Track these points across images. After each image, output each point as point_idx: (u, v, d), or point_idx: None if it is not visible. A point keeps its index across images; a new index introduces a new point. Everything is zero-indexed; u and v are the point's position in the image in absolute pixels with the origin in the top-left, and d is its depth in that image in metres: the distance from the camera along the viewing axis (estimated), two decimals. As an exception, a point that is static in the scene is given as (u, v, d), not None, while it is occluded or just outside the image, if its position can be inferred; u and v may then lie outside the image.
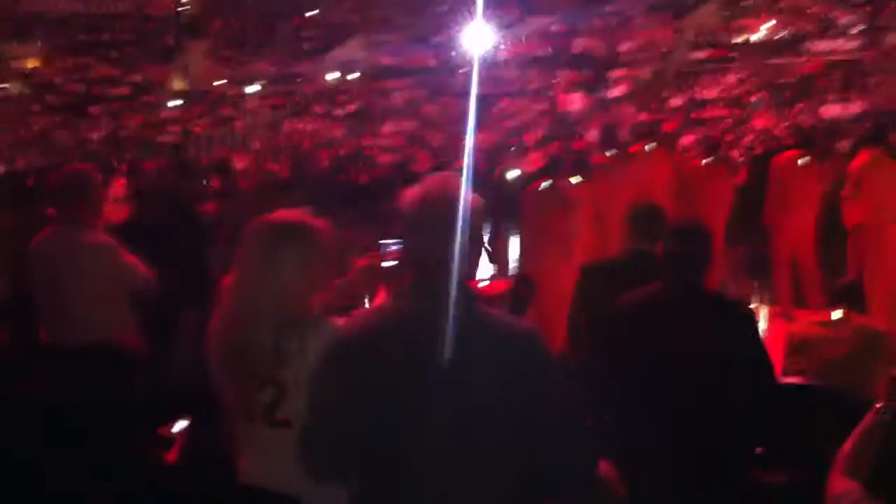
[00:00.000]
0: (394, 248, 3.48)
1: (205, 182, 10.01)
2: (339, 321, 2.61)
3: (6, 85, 35.31)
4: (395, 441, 2.12)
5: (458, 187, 2.24)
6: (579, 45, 30.02)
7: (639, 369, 3.36)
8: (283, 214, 2.61)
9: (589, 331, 3.88)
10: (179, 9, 41.51)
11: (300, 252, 2.52)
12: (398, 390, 2.13)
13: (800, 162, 8.68)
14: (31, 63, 36.95)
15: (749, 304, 9.41)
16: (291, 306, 2.49)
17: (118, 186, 10.63)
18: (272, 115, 31.58)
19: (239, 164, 16.08)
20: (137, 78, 36.09)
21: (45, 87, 35.18)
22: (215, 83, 35.25)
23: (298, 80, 34.36)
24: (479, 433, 2.08)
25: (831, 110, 21.00)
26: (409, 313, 2.22)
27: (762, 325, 8.92)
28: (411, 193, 2.24)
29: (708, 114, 23.02)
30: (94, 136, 30.49)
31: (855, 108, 20.70)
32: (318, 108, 31.61)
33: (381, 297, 3.36)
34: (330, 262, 2.66)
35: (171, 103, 34.59)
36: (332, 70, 34.68)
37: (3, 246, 6.52)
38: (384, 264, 3.47)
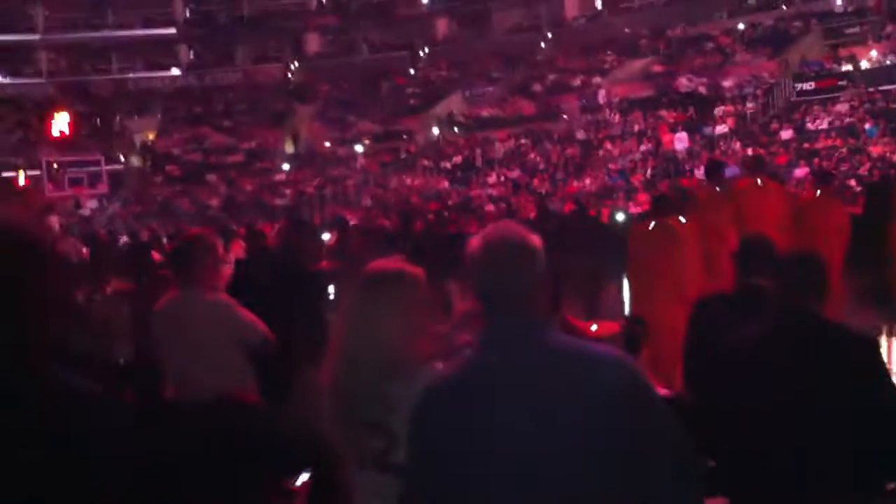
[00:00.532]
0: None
1: (320, 241, 10.29)
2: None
3: (128, 158, 37.16)
4: (484, 491, 2.12)
5: (516, 231, 2.27)
6: (681, 84, 29.80)
7: (758, 408, 3.26)
8: (381, 263, 2.67)
9: (703, 369, 3.80)
10: (288, 75, 43.12)
11: (397, 298, 2.56)
12: (480, 439, 2.13)
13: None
14: (150, 136, 38.87)
15: (875, 335, 9.07)
16: (393, 353, 2.53)
17: (238, 248, 11.01)
18: (380, 171, 32.23)
19: (351, 220, 16.46)
20: (251, 144, 37.54)
21: (165, 159, 36.88)
22: (325, 144, 36.31)
23: (403, 136, 35.07)
24: (569, 480, 2.06)
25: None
26: (483, 359, 2.24)
27: (888, 358, 8.58)
28: (475, 239, 2.29)
29: (820, 144, 22.45)
30: (213, 202, 31.66)
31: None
32: (423, 162, 32.13)
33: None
34: (428, 308, 2.68)
35: (283, 166, 35.78)
36: (435, 124, 35.31)
37: (128, 311, 6.81)
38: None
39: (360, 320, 2.61)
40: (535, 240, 2.25)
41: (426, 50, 41.80)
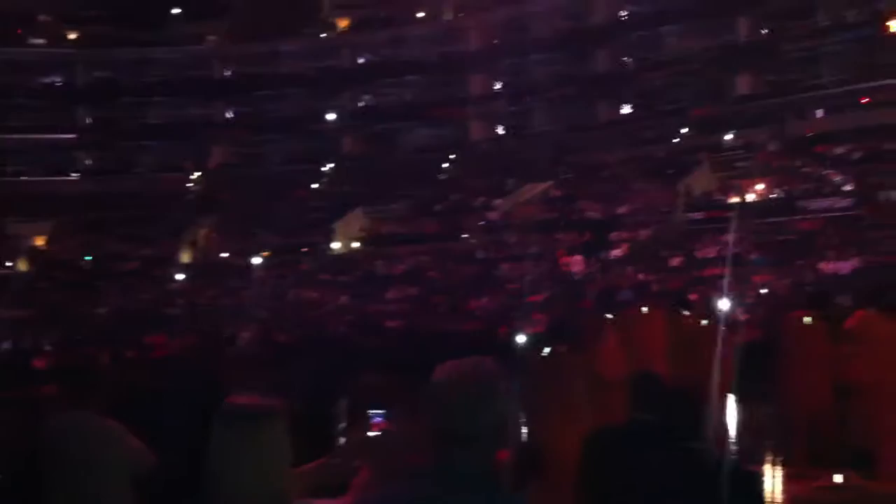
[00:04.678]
0: (378, 418, 3.44)
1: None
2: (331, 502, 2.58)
3: (13, 262, 36.00)
4: None
5: (491, 371, 2.27)
6: (578, 208, 30.79)
7: None
8: (242, 399, 2.57)
9: (587, 499, 3.85)
10: (189, 185, 42.86)
11: (266, 437, 2.48)
12: None
13: (807, 320, 8.72)
14: (39, 241, 37.82)
15: (761, 464, 9.28)
16: (268, 490, 2.44)
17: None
18: (278, 284, 31.95)
19: (245, 333, 16.15)
20: (147, 252, 36.85)
21: (55, 264, 35.82)
22: (222, 255, 35.92)
23: (305, 249, 35.01)
24: None
25: (830, 267, 21.27)
26: (425, 492, 2.21)
27: (775, 487, 8.77)
28: (442, 370, 2.27)
29: (708, 272, 23.28)
30: (103, 310, 30.73)
31: (853, 264, 20.98)
32: (323, 277, 32.04)
33: (364, 476, 3.30)
34: (288, 442, 2.58)
35: (178, 276, 35.14)
36: (337, 239, 35.42)
37: (6, 421, 6.53)
38: (370, 435, 3.42)
39: (226, 459, 2.49)
40: (497, 379, 2.25)
41: (332, 165, 42.28)
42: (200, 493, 2.64)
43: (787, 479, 8.80)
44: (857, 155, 28.07)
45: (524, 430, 8.74)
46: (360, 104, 45.37)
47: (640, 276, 23.17)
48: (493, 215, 32.72)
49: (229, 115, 45.56)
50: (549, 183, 34.45)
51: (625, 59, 39.22)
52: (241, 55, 45.04)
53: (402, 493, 2.29)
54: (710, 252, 24.99)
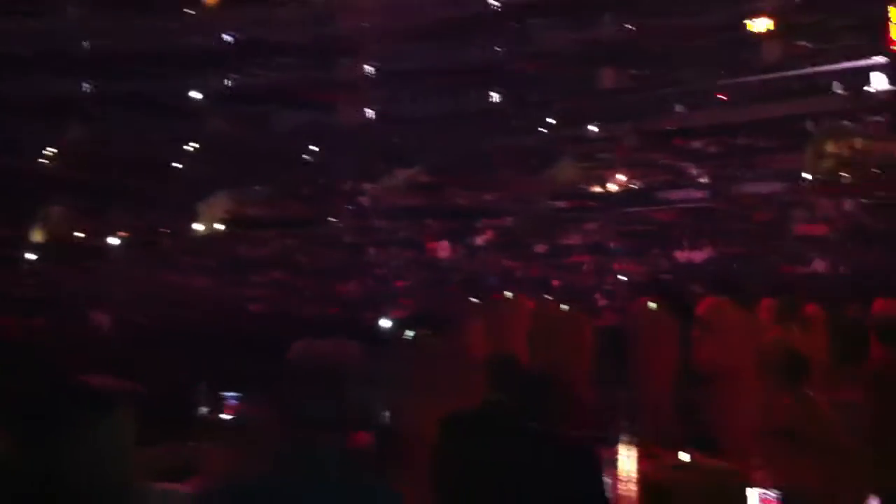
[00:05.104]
0: (233, 401, 3.39)
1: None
2: (179, 486, 2.49)
3: None
4: None
5: (350, 353, 2.21)
6: (446, 195, 30.99)
7: None
8: (89, 381, 2.45)
9: (438, 483, 3.88)
10: (42, 161, 40.94)
11: (112, 420, 2.38)
12: None
13: (653, 306, 9.05)
14: None
15: (616, 445, 9.55)
16: (111, 480, 2.34)
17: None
18: (136, 266, 30.91)
19: (102, 318, 15.55)
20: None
21: None
22: (78, 235, 34.51)
23: (166, 231, 34.01)
24: None
25: (685, 256, 22.12)
26: (266, 475, 2.15)
27: (630, 466, 9.04)
28: (296, 351, 2.20)
29: (571, 260, 23.87)
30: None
31: (707, 253, 21.89)
32: (184, 259, 31.19)
33: (217, 459, 3.23)
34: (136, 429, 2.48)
35: (30, 256, 33.54)
36: (200, 221, 34.56)
37: None
38: (223, 417, 3.36)
39: (69, 442, 2.36)
40: (354, 361, 2.19)
41: (195, 145, 41.18)
42: (38, 479, 2.48)
43: (640, 459, 9.11)
44: (712, 149, 29.26)
45: (387, 414, 8.74)
46: (227, 84, 44.32)
47: (506, 263, 23.51)
48: (361, 200, 32.58)
49: (86, 90, 43.71)
50: (418, 168, 34.55)
51: (495, 48, 39.66)
52: (102, 29, 43.23)
53: (255, 477, 2.22)
54: (574, 240, 25.62)
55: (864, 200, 23.20)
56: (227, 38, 44.02)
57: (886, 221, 21.32)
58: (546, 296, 11.64)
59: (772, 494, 3.48)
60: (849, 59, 29.93)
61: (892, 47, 24.57)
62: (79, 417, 2.34)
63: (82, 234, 34.46)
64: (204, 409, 3.62)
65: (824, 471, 4.86)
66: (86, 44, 43.77)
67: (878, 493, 4.54)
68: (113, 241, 32.75)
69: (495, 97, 40.21)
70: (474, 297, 9.21)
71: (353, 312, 21.60)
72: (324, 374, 2.17)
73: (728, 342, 7.56)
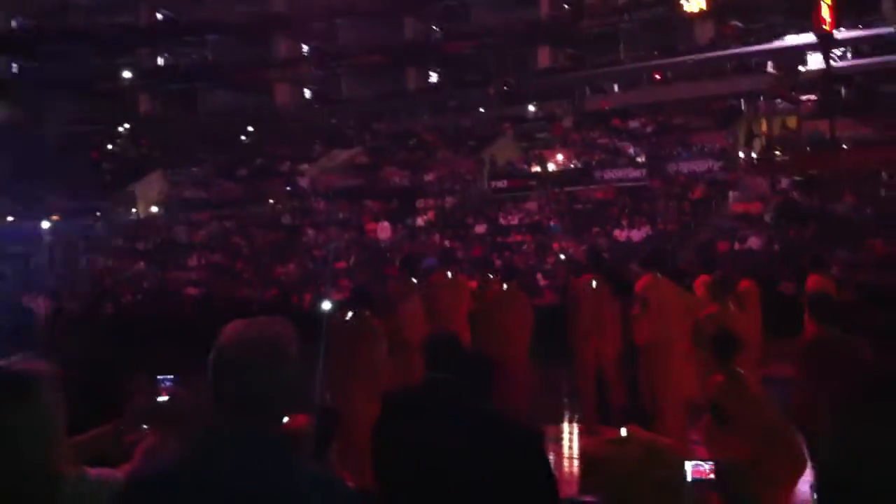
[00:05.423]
0: (169, 384, 3.33)
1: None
2: (114, 472, 2.43)
3: None
4: None
5: (279, 331, 2.17)
6: (385, 175, 30.85)
7: (419, 496, 3.41)
8: (16, 365, 2.36)
9: (387, 462, 3.85)
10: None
11: (38, 403, 2.28)
12: None
13: (593, 284, 9.12)
14: None
15: (558, 423, 9.67)
16: (38, 459, 2.25)
17: None
18: (70, 250, 30.25)
19: (37, 304, 15.21)
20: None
21: None
22: (7, 219, 33.61)
23: (97, 214, 33.32)
24: None
25: (623, 234, 22.35)
26: (188, 462, 2.10)
27: (568, 442, 9.17)
28: (225, 331, 2.16)
29: (511, 239, 23.96)
30: None
31: (645, 231, 22.14)
32: (118, 242, 30.61)
33: (150, 442, 3.17)
34: (60, 412, 2.40)
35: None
36: (133, 204, 33.94)
37: None
38: (158, 400, 3.30)
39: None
40: (285, 340, 2.14)
41: (126, 126, 40.37)
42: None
43: (580, 436, 9.24)
44: (649, 128, 29.57)
45: (325, 395, 8.69)
46: (159, 63, 43.53)
47: (446, 243, 23.53)
48: (299, 181, 32.28)
49: (14, 70, 42.57)
50: (357, 149, 34.34)
51: (432, 27, 39.59)
52: (31, 7, 42.11)
53: (179, 460, 2.17)
54: (513, 220, 25.71)
55: (796, 178, 23.68)
56: (159, 15, 43.21)
57: (818, 199, 21.80)
58: (487, 275, 11.69)
59: (705, 466, 3.52)
60: (781, 38, 30.52)
61: (823, 26, 25.03)
62: (8, 397, 2.26)
63: (11, 218, 33.58)
64: (140, 393, 3.55)
65: (754, 446, 4.96)
66: (14, 23, 42.64)
67: (812, 467, 4.64)
68: (44, 224, 31.98)
69: (433, 77, 40.20)
70: (413, 278, 9.19)
71: (289, 293, 21.50)
72: (252, 353, 2.12)
73: (664, 318, 7.66)
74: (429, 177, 30.05)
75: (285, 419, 5.57)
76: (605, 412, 9.08)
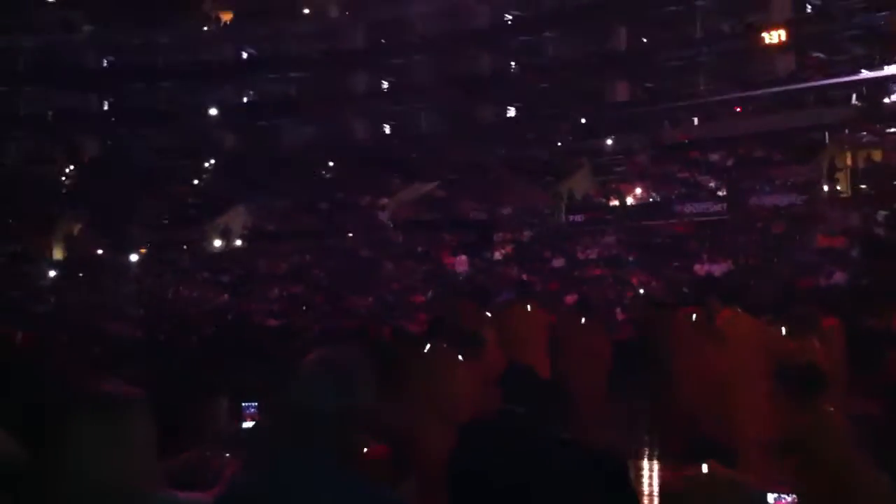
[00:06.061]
0: (252, 410, 3.42)
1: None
2: (201, 495, 2.50)
3: None
4: None
5: (351, 357, 2.26)
6: (462, 209, 30.99)
7: None
8: (106, 388, 2.45)
9: (455, 492, 3.87)
10: (62, 178, 41.23)
11: (124, 426, 2.37)
12: None
13: (687, 319, 8.97)
14: None
15: (637, 458, 9.54)
16: (122, 486, 2.33)
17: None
18: (156, 282, 31.06)
19: (122, 331, 15.71)
20: (14, 248, 35.22)
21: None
22: (96, 251, 34.68)
23: (183, 246, 34.14)
24: None
25: (704, 269, 22.02)
26: (255, 483, 2.19)
27: (649, 478, 9.04)
28: (305, 361, 2.27)
29: (588, 273, 23.79)
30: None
31: (725, 266, 21.78)
32: (203, 274, 31.29)
33: (236, 467, 3.26)
34: (152, 434, 2.48)
35: (49, 272, 33.74)
36: (216, 236, 34.70)
37: None
38: (242, 426, 3.40)
39: (82, 447, 2.35)
40: (361, 370, 2.23)
41: (211, 160, 41.42)
42: (48, 486, 2.50)
43: (660, 471, 9.09)
44: (729, 161, 29.17)
45: (403, 427, 8.74)
46: (243, 99, 44.63)
47: (524, 277, 23.47)
48: (378, 214, 32.64)
49: (104, 107, 44.15)
50: (434, 184, 34.60)
51: (509, 62, 39.81)
52: (120, 45, 43.70)
53: (255, 481, 2.25)
54: (591, 253, 25.55)
55: (881, 212, 23.06)
56: (243, 52, 44.38)
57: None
58: (564, 308, 11.66)
59: (787, 498, 3.47)
60: (863, 69, 29.88)
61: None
62: (88, 420, 2.36)
63: (100, 251, 34.67)
64: (225, 419, 3.68)
65: (835, 484, 4.85)
66: (102, 59, 44.22)
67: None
68: (132, 256, 32.94)
69: (510, 110, 40.36)
70: (489, 310, 9.21)
71: (366, 325, 21.63)
72: (329, 381, 2.21)
73: (743, 354, 7.53)
74: (506, 210, 30.09)
75: (364, 449, 5.67)
76: (685, 448, 8.92)
